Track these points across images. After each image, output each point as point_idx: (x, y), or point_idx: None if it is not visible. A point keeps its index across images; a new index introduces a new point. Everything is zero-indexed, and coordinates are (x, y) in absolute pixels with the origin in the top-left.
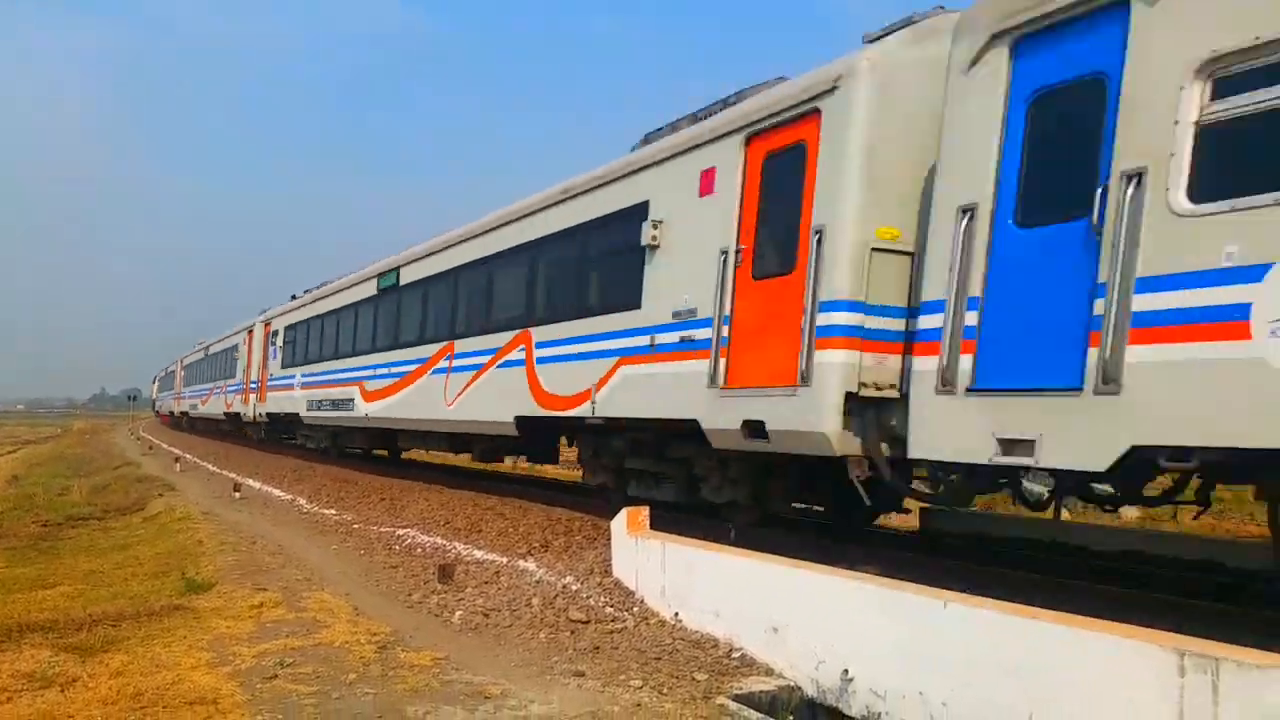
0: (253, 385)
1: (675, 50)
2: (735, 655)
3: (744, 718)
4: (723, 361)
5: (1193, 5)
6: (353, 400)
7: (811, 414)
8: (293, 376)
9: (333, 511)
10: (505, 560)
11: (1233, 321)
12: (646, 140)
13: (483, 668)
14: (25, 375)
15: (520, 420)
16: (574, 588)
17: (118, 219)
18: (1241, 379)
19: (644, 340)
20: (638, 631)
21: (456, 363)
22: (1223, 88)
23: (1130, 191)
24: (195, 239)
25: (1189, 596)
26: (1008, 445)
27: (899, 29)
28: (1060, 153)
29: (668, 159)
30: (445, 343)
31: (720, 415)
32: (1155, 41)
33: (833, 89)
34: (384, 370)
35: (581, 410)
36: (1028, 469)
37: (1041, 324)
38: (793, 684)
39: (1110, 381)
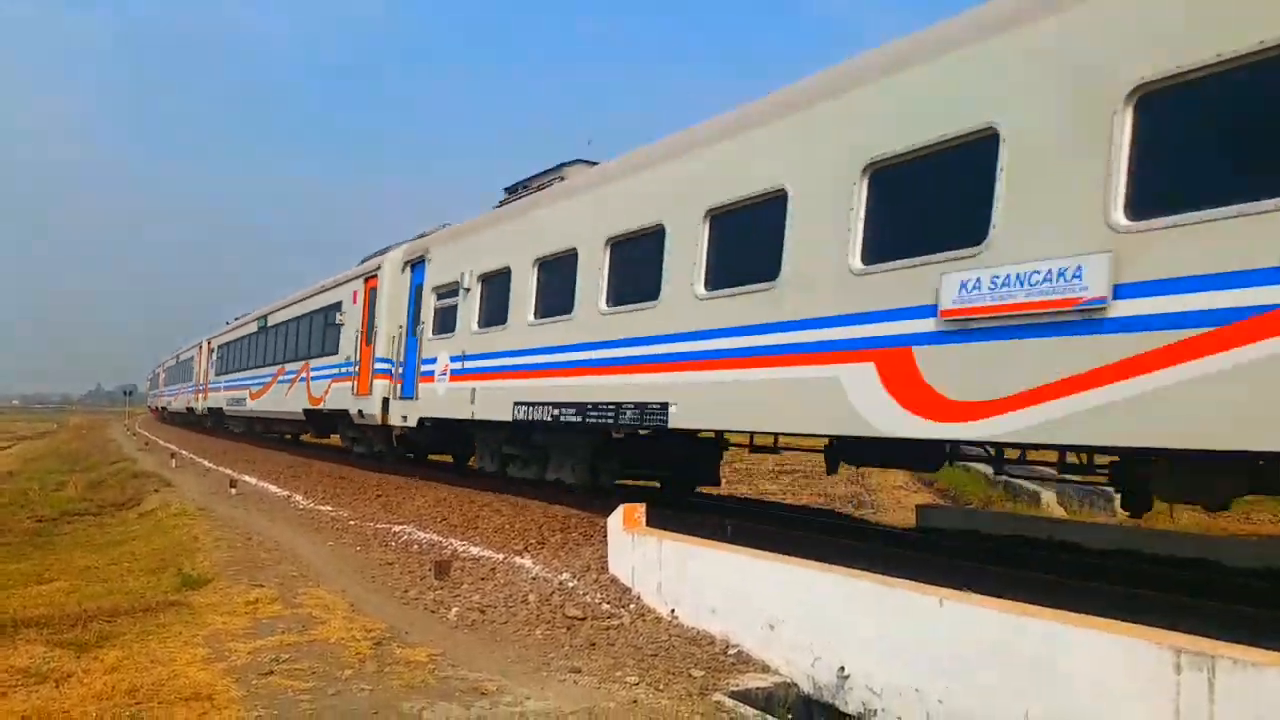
0: (201, 387)
1: (668, 50)
2: (732, 652)
3: (740, 714)
4: (356, 382)
5: (434, 264)
6: (245, 399)
7: (373, 407)
8: (220, 382)
9: (329, 508)
10: (501, 557)
11: (433, 375)
12: (362, 261)
13: (479, 664)
14: (21, 370)
15: (305, 411)
16: (570, 584)
17: (115, 214)
18: (440, 394)
19: (338, 370)
20: (634, 628)
21: (285, 376)
22: (436, 296)
23: (422, 329)
24: (193, 234)
25: (1184, 594)
26: (403, 418)
27: (412, 240)
28: (415, 311)
29: (344, 282)
30: (280, 365)
31: (354, 407)
32: (429, 275)
33: (380, 266)
34: (258, 380)
35: (321, 406)
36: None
37: (410, 372)
38: (789, 681)
39: (415, 396)
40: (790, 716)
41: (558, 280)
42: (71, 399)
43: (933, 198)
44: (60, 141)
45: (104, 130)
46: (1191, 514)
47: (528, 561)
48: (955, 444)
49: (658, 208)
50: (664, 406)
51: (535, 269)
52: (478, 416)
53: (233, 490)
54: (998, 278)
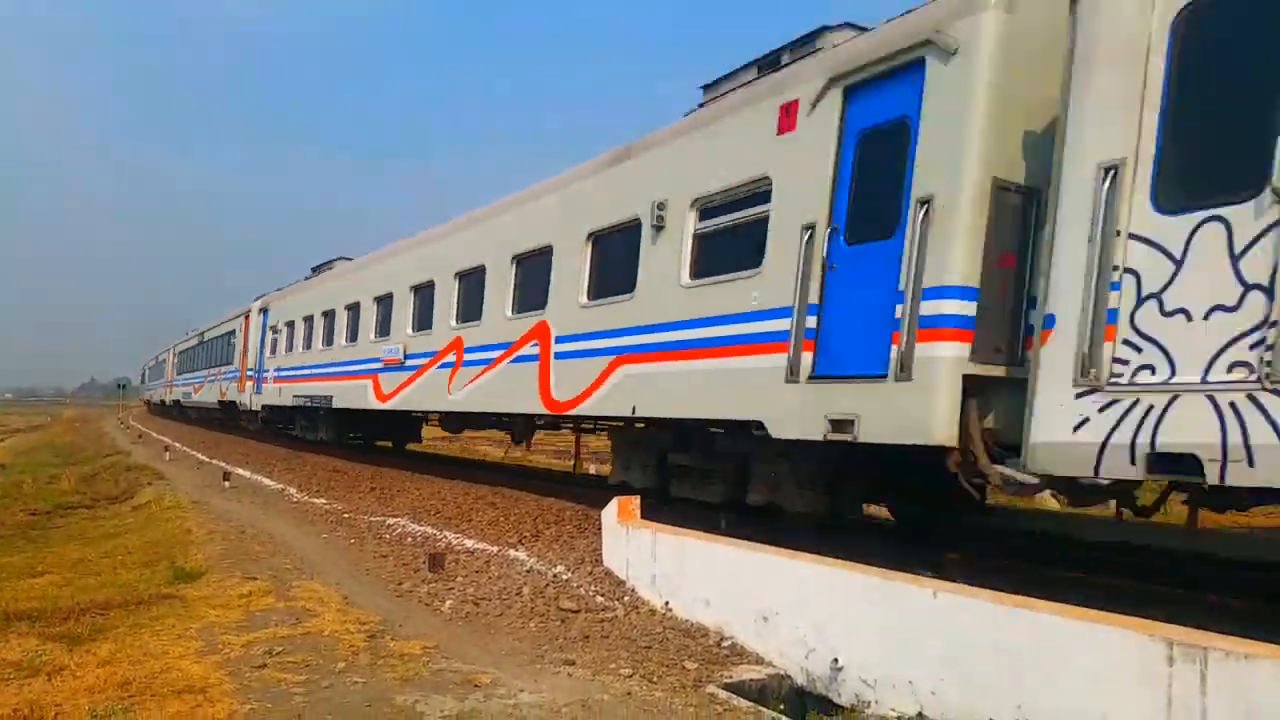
0: (169, 383)
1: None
2: (725, 644)
3: (733, 706)
4: (239, 383)
5: (271, 312)
6: (191, 393)
7: (246, 399)
8: (179, 380)
9: (323, 500)
10: (496, 549)
11: (268, 379)
12: (257, 299)
13: (473, 656)
14: (14, 364)
15: (219, 402)
16: (565, 577)
17: (107, 204)
18: (270, 391)
19: (233, 374)
20: (628, 620)
21: (210, 378)
22: (271, 332)
23: (265, 351)
24: (187, 226)
25: (1178, 586)
26: (259, 406)
27: (267, 294)
28: (263, 340)
29: (237, 316)
30: (209, 369)
31: (239, 399)
32: (269, 318)
33: (249, 311)
34: (198, 379)
35: (225, 398)
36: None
37: (259, 377)
38: (782, 673)
39: (261, 393)
40: (783, 708)
41: (309, 330)
42: (65, 392)
43: (385, 315)
44: (51, 135)
45: (98, 126)
46: (1184, 508)
47: (522, 554)
48: (386, 411)
49: (337, 299)
50: (332, 397)
51: (303, 322)
52: (282, 404)
53: (227, 483)
54: (391, 349)
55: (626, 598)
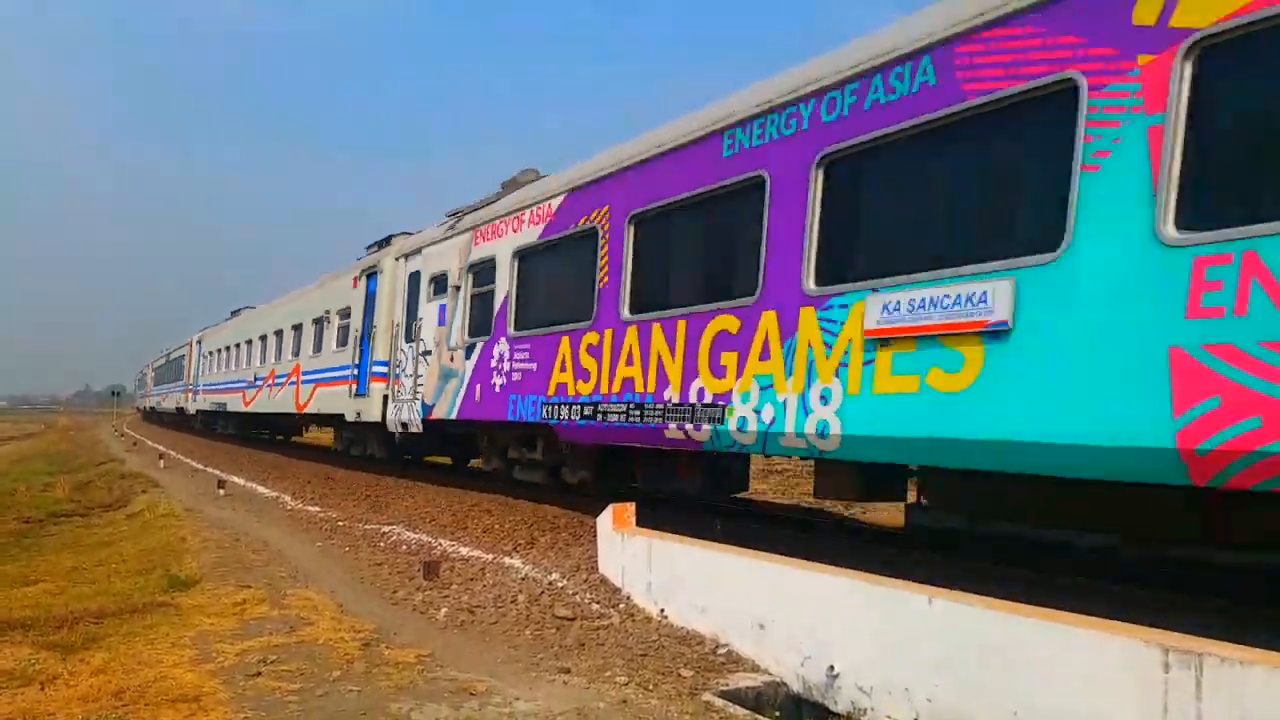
0: (148, 394)
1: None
2: (721, 651)
3: (730, 714)
4: (185, 394)
5: (204, 343)
6: (160, 402)
7: (190, 404)
8: (154, 390)
9: (317, 508)
10: (491, 557)
11: (200, 391)
12: (198, 331)
13: (468, 665)
14: (8, 371)
15: (175, 408)
16: (560, 584)
17: (107, 204)
18: (200, 399)
19: (183, 387)
20: (624, 628)
21: (170, 390)
22: (204, 357)
23: (199, 370)
24: (187, 226)
25: (1173, 592)
26: (196, 410)
27: (203, 330)
28: (199, 361)
29: (185, 344)
30: (171, 383)
31: (185, 405)
32: (203, 346)
33: (193, 341)
34: (165, 390)
35: (178, 406)
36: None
37: (196, 389)
38: (779, 680)
39: (197, 400)
40: (779, 716)
41: (219, 358)
42: (59, 399)
43: (249, 352)
44: (51, 135)
45: (98, 126)
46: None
47: (517, 562)
48: (252, 413)
49: (230, 339)
50: (227, 404)
51: (217, 352)
52: (206, 409)
53: (221, 491)
54: (249, 373)
55: (622, 605)
